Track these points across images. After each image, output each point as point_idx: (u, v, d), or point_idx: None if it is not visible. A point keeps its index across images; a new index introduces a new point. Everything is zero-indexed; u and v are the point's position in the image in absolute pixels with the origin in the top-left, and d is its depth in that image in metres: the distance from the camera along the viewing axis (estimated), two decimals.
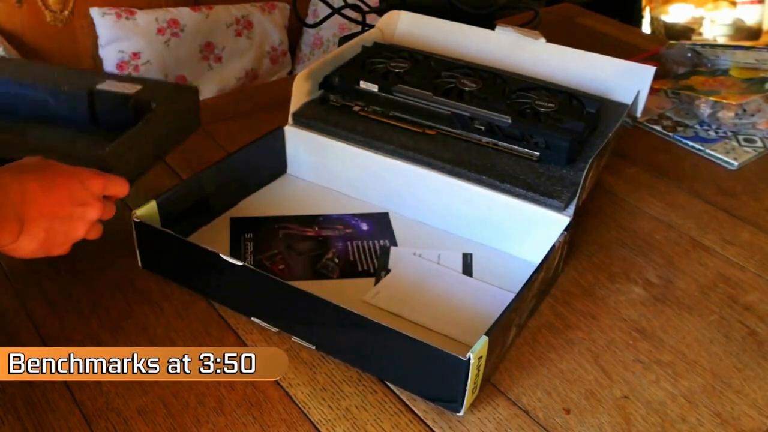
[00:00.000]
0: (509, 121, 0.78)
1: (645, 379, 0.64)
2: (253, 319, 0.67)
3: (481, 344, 0.56)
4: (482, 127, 0.79)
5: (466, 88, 0.83)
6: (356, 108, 0.84)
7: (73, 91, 0.80)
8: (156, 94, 0.80)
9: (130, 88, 0.80)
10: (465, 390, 0.57)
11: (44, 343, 0.65)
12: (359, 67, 0.86)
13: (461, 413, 0.59)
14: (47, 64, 0.99)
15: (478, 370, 0.57)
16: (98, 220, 0.61)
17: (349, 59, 0.89)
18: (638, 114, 0.87)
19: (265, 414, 0.59)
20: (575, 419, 0.60)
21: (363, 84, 0.84)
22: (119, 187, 0.63)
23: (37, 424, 0.57)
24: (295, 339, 0.65)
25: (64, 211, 0.58)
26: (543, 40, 0.91)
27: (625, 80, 0.87)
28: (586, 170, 0.70)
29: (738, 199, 0.90)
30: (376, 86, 0.84)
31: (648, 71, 0.85)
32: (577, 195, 0.70)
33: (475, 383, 0.57)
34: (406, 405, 0.60)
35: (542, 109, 0.79)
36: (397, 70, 0.86)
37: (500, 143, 0.79)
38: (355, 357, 0.63)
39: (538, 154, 0.77)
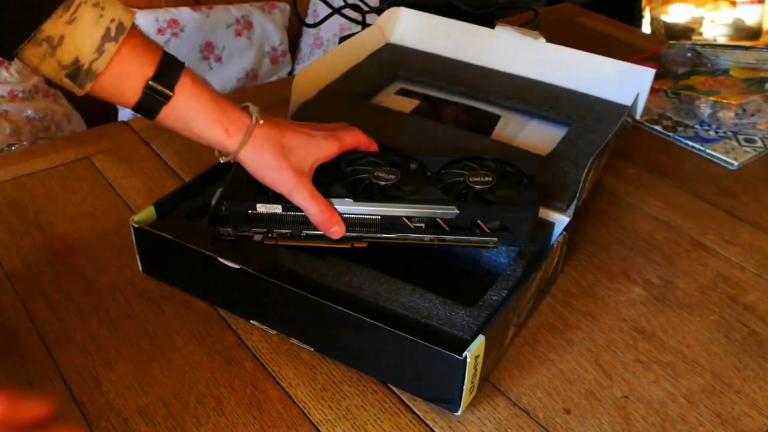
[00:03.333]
0: (456, 211, 0.64)
1: (645, 379, 0.64)
2: (252, 321, 0.67)
3: (478, 343, 0.56)
4: (421, 225, 0.64)
5: (383, 182, 0.66)
6: (257, 237, 0.66)
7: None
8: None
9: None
10: (462, 389, 0.57)
11: (44, 343, 0.65)
12: (246, 186, 0.66)
13: (459, 413, 0.59)
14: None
15: (476, 370, 0.57)
16: None
17: (230, 176, 0.69)
18: (638, 116, 0.87)
19: (265, 414, 0.59)
20: (575, 419, 0.60)
21: (261, 207, 0.65)
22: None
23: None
24: (293, 341, 0.65)
25: None
26: (543, 40, 0.91)
27: (625, 82, 0.87)
28: (586, 170, 0.70)
29: (738, 199, 0.90)
30: (279, 206, 0.65)
31: (648, 73, 0.85)
32: (577, 195, 0.70)
33: (472, 383, 0.57)
34: (406, 405, 0.60)
35: (477, 187, 0.66)
36: None
37: (447, 238, 0.65)
38: (354, 358, 0.63)
39: (496, 239, 0.65)
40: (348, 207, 0.64)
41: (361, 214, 0.65)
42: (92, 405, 0.59)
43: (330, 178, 0.67)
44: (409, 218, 0.64)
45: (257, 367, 0.63)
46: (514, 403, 0.61)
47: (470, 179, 0.66)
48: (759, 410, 0.62)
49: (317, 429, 0.58)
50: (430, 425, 0.59)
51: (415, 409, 0.60)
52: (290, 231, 0.66)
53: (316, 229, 0.65)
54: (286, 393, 0.61)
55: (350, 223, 0.65)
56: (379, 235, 0.66)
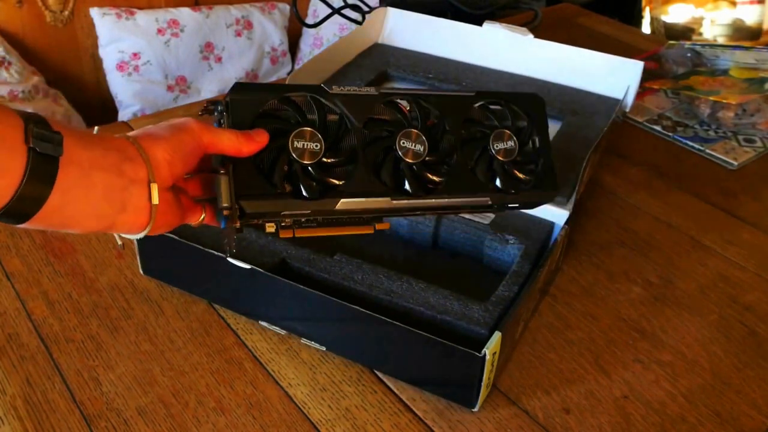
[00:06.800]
0: (489, 201, 0.59)
1: (645, 379, 0.64)
2: (260, 322, 0.67)
3: (495, 340, 0.56)
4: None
5: (411, 161, 0.55)
6: (270, 228, 0.53)
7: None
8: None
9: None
10: (480, 386, 0.57)
11: (44, 343, 0.65)
12: (257, 180, 0.51)
13: (476, 409, 0.59)
14: None
15: (493, 366, 0.57)
16: None
17: (233, 176, 0.54)
18: (627, 109, 0.87)
19: (265, 414, 0.59)
20: (575, 419, 0.60)
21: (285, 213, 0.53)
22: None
23: (37, 424, 0.57)
24: (304, 341, 0.65)
25: None
26: (531, 36, 0.91)
27: (615, 75, 0.87)
28: (584, 164, 0.70)
29: (738, 199, 0.90)
30: (309, 209, 0.52)
31: (637, 66, 0.85)
32: (576, 189, 0.71)
33: (489, 378, 0.58)
34: (406, 405, 0.60)
35: (502, 158, 0.59)
36: (313, 162, 0.51)
37: (461, 209, 0.61)
38: (368, 357, 0.63)
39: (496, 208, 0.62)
40: (387, 206, 0.55)
41: (398, 211, 0.57)
42: (92, 405, 0.59)
43: (349, 152, 0.54)
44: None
45: (257, 367, 0.63)
46: (514, 403, 0.61)
47: (494, 145, 0.59)
48: (759, 410, 0.62)
49: (317, 429, 0.58)
50: (430, 425, 0.59)
51: (414, 409, 0.60)
52: (317, 220, 0.56)
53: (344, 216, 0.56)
54: (286, 393, 0.61)
55: (383, 213, 0.56)
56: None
